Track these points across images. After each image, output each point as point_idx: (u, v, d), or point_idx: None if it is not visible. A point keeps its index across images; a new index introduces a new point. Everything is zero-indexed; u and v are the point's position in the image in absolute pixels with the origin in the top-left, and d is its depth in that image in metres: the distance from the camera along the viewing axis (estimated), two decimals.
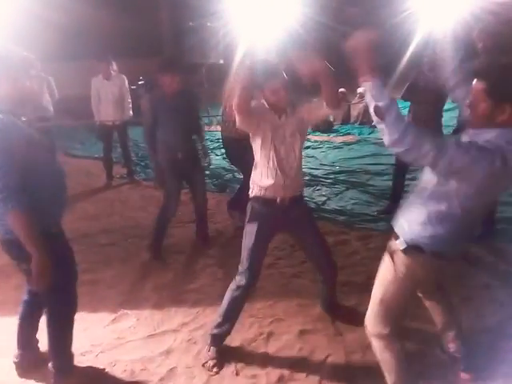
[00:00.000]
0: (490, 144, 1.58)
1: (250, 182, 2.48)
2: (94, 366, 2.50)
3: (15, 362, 2.41)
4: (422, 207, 1.79)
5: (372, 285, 3.22)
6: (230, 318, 2.49)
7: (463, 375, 2.27)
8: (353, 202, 4.76)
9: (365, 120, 8.43)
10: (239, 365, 2.46)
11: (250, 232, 2.44)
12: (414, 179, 4.46)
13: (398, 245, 1.85)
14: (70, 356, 2.30)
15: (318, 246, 2.60)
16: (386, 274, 1.94)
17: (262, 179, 2.39)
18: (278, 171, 2.34)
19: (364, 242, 3.86)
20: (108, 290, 3.27)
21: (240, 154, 3.64)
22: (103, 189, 5.70)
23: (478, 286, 3.14)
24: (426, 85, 3.82)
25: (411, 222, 1.83)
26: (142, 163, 6.68)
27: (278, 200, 2.39)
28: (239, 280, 2.44)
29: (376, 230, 4.07)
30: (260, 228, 2.42)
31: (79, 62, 10.35)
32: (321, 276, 2.72)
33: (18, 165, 1.83)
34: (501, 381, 2.27)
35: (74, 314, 2.26)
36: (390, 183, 5.21)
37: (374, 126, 8.09)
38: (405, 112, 4.27)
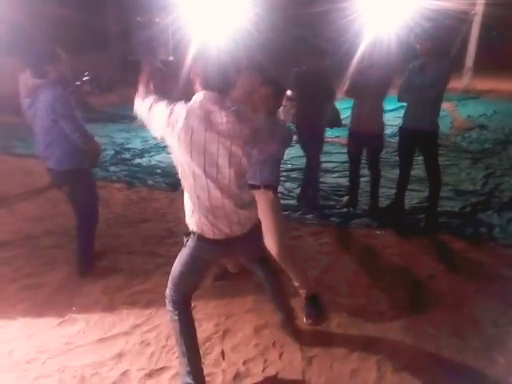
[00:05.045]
0: None
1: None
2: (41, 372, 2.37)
3: None
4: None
5: (325, 278, 3.32)
6: None
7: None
8: None
9: None
10: None
11: None
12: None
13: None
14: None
15: None
16: None
17: None
18: None
19: (316, 238, 3.93)
20: (54, 294, 3.11)
21: None
22: (46, 189, 5.41)
23: (425, 277, 3.29)
24: (367, 80, 3.98)
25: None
26: None
27: None
28: None
29: (327, 226, 4.17)
30: None
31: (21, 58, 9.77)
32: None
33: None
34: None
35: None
36: (340, 180, 5.39)
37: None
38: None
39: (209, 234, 1.97)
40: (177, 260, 2.16)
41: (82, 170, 3.16)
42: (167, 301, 2.19)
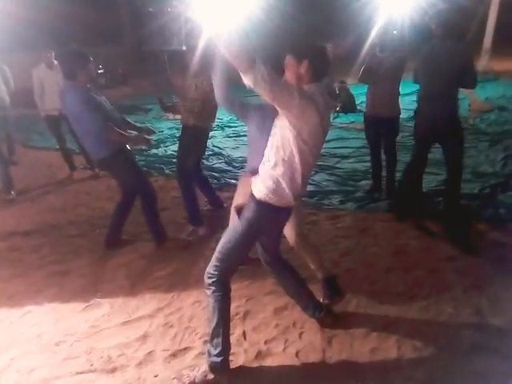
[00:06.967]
0: None
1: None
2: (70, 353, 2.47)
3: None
4: None
5: (343, 261, 3.34)
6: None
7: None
8: (321, 184, 4.84)
9: None
10: None
11: None
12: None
13: None
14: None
15: None
16: None
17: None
18: None
19: (333, 222, 3.95)
20: (79, 280, 3.21)
21: None
22: (67, 180, 5.54)
23: (444, 258, 3.29)
24: (380, 66, 3.95)
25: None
26: None
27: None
28: None
29: (343, 210, 4.18)
30: None
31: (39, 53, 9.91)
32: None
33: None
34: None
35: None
36: (356, 165, 5.36)
37: (338, 112, 8.21)
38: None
39: (277, 201, 2.09)
40: (230, 238, 2.21)
41: (113, 158, 3.37)
42: (210, 281, 2.23)
